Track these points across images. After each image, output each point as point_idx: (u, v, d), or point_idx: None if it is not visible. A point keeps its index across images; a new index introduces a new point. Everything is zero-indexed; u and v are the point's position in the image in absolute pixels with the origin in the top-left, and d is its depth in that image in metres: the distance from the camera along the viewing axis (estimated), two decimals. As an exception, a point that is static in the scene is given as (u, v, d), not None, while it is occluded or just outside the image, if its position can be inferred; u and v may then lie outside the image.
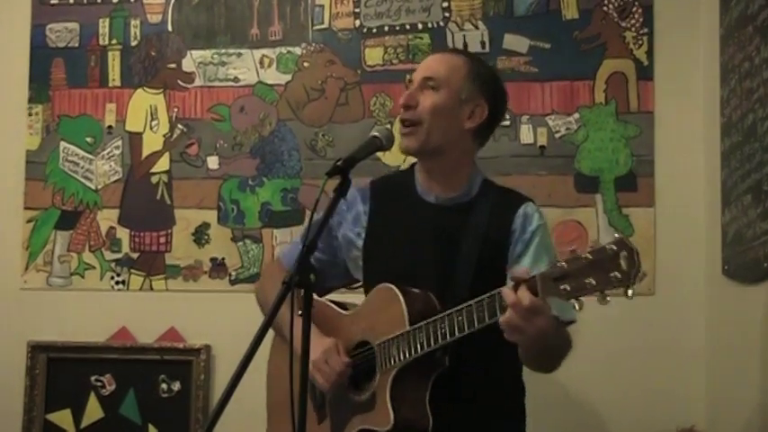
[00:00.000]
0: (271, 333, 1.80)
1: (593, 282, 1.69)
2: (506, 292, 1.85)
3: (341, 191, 1.96)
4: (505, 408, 2.25)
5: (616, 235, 1.71)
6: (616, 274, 1.67)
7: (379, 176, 2.52)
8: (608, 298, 1.70)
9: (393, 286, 2.16)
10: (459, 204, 2.26)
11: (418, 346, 2.05)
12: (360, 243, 2.34)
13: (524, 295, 1.80)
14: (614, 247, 1.68)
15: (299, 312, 1.81)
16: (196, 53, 3.48)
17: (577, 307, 1.74)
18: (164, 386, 3.35)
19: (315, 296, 1.86)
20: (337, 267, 2.38)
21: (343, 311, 2.33)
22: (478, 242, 2.19)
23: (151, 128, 3.48)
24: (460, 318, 1.98)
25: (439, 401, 2.09)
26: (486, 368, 2.16)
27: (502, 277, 2.08)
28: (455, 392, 2.12)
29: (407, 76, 2.31)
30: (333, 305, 2.36)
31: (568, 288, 1.72)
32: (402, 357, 2.07)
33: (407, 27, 3.36)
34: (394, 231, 2.29)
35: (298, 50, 3.42)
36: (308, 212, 3.30)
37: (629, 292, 1.67)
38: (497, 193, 2.30)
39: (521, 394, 2.33)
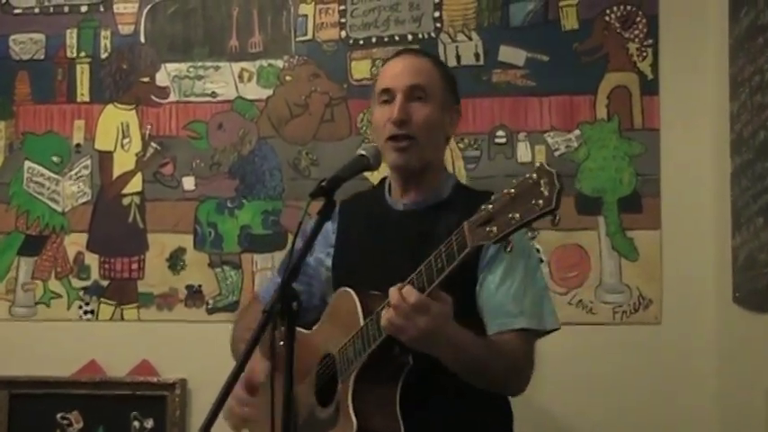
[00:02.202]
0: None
1: (518, 216, 1.70)
2: (392, 291, 1.90)
3: (325, 213, 1.96)
4: (483, 415, 2.19)
5: (537, 163, 1.71)
6: (538, 201, 1.67)
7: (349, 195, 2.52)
8: (536, 232, 1.70)
9: (348, 289, 2.16)
10: (428, 208, 2.27)
11: (370, 340, 2.03)
12: (329, 262, 2.37)
13: (409, 292, 1.87)
14: (534, 176, 1.68)
15: (281, 342, 1.80)
16: (171, 66, 3.49)
17: (509, 248, 1.79)
18: (136, 423, 3.34)
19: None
20: (315, 297, 2.39)
21: (305, 330, 2.31)
22: None
23: (122, 146, 3.48)
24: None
25: (412, 407, 2.05)
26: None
27: (473, 277, 2.14)
28: (428, 398, 2.10)
29: (378, 89, 2.29)
30: (298, 328, 2.34)
31: (495, 230, 1.74)
32: (357, 357, 2.06)
33: (396, 38, 3.36)
34: (361, 245, 2.32)
35: (280, 63, 3.43)
36: (290, 236, 3.30)
37: (556, 218, 1.69)
38: (471, 194, 2.29)
39: (503, 406, 2.29)
